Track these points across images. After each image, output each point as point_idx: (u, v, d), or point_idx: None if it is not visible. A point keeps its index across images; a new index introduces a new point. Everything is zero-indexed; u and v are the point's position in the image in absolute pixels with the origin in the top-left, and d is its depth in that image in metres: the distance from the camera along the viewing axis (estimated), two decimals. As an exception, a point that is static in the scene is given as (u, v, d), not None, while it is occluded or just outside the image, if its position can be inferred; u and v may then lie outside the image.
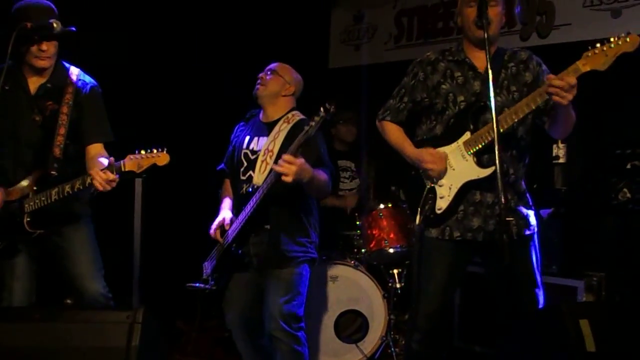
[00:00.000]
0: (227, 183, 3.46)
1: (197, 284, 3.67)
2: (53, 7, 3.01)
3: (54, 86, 3.06)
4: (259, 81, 3.31)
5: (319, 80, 5.81)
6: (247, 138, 3.34)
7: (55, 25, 2.89)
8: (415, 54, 5.26)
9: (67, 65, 3.14)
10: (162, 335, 2.74)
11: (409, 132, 3.10)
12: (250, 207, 3.10)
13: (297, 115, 3.29)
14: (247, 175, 3.25)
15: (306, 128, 2.92)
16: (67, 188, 2.90)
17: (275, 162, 3.05)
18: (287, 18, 5.53)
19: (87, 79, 3.15)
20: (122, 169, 2.84)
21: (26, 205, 2.95)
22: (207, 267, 3.35)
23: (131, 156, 2.86)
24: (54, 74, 3.07)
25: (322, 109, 2.88)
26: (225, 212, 3.30)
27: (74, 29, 2.96)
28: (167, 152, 2.89)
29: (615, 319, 2.62)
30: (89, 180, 2.84)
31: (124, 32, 4.69)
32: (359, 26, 5.93)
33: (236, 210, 3.26)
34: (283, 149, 3.10)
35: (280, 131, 3.23)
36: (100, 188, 2.82)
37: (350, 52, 6.00)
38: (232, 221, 3.23)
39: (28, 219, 2.95)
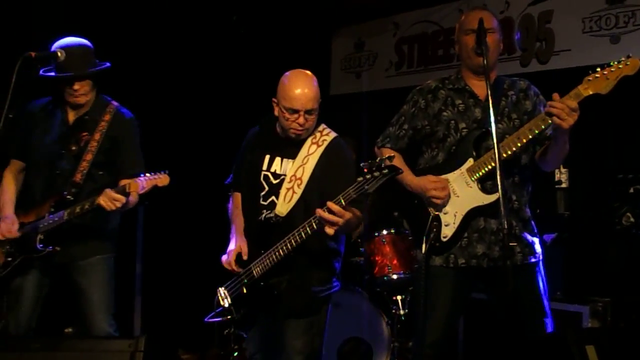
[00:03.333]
0: (238, 198, 3.14)
1: (219, 318, 3.53)
2: (90, 46, 3.18)
3: (91, 118, 3.20)
4: (299, 128, 2.85)
5: (320, 107, 5.86)
6: (267, 158, 2.98)
7: (59, 54, 3.01)
8: (416, 80, 5.31)
9: (108, 99, 3.28)
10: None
11: (407, 161, 3.10)
12: (282, 250, 2.79)
13: (327, 134, 2.95)
14: (268, 201, 2.94)
15: (361, 179, 2.51)
16: (77, 209, 3.03)
17: (306, 192, 2.83)
18: (289, 46, 5.58)
19: (125, 112, 3.28)
20: (127, 190, 3.00)
21: (40, 226, 3.07)
22: (226, 296, 3.03)
23: (136, 179, 3.01)
24: (93, 107, 3.22)
25: (387, 167, 2.48)
26: (240, 239, 3.01)
27: (107, 65, 3.18)
28: (168, 174, 3.06)
29: (622, 345, 2.60)
30: (96, 200, 2.97)
31: (134, 57, 4.74)
32: (360, 54, 5.98)
33: (253, 237, 2.98)
34: (314, 178, 2.85)
35: (310, 155, 2.89)
36: (104, 205, 2.95)
37: (351, 79, 6.04)
38: (250, 252, 2.95)
39: (40, 237, 3.07)
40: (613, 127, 4.34)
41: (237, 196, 3.16)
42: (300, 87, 2.82)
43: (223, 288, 3.04)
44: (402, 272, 4.09)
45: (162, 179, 3.05)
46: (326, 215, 2.57)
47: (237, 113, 4.72)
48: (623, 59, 2.59)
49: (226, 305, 3.00)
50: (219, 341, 4.55)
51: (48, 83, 3.14)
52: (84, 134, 3.16)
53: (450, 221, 2.88)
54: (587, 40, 4.49)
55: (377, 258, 4.17)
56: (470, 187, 2.86)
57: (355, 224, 2.82)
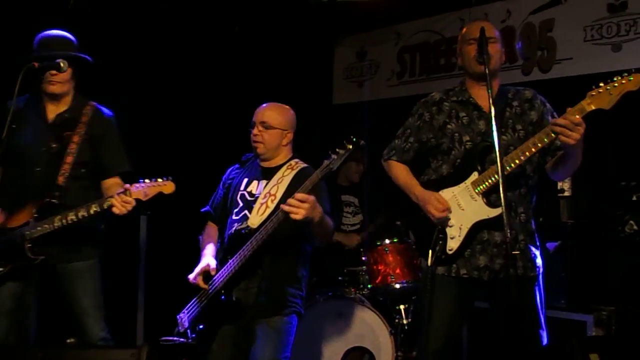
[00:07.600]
0: (210, 228, 3.30)
1: (176, 339, 3.50)
2: (73, 40, 3.12)
3: (70, 116, 3.12)
4: (254, 139, 3.11)
5: (323, 116, 5.88)
6: (245, 180, 3.19)
7: (62, 65, 2.93)
8: (418, 89, 5.34)
9: (85, 99, 3.21)
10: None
11: (413, 172, 3.10)
12: (247, 250, 2.92)
13: (301, 164, 3.17)
14: (240, 215, 3.10)
15: (326, 162, 2.71)
16: (71, 216, 2.92)
17: (278, 207, 2.90)
18: (292, 55, 5.60)
19: (104, 111, 3.21)
20: (129, 196, 2.90)
21: (27, 232, 2.96)
22: (184, 319, 3.13)
23: (136, 185, 2.91)
24: (73, 105, 3.15)
25: (349, 141, 2.68)
26: (209, 259, 3.10)
27: (88, 58, 3.09)
28: (172, 181, 2.96)
29: (626, 354, 2.59)
30: (108, 203, 2.89)
31: (135, 69, 4.76)
32: (362, 63, 6.00)
33: (223, 252, 3.08)
34: (287, 194, 2.96)
35: (284, 176, 3.10)
36: (117, 211, 2.88)
37: (354, 89, 6.05)
38: (217, 267, 3.04)
39: (29, 245, 2.95)
40: (616, 134, 4.34)
41: (211, 228, 3.30)
42: (265, 104, 3.15)
43: (181, 314, 3.15)
44: (405, 281, 4.09)
45: (168, 186, 2.95)
46: (290, 201, 2.73)
47: (239, 122, 4.72)
48: (626, 74, 2.58)
49: (181, 330, 3.12)
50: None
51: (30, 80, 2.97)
52: (66, 132, 3.07)
53: (455, 234, 2.88)
54: (588, 48, 4.50)
55: (379, 267, 4.17)
56: (475, 200, 2.86)
57: (324, 225, 2.92)
